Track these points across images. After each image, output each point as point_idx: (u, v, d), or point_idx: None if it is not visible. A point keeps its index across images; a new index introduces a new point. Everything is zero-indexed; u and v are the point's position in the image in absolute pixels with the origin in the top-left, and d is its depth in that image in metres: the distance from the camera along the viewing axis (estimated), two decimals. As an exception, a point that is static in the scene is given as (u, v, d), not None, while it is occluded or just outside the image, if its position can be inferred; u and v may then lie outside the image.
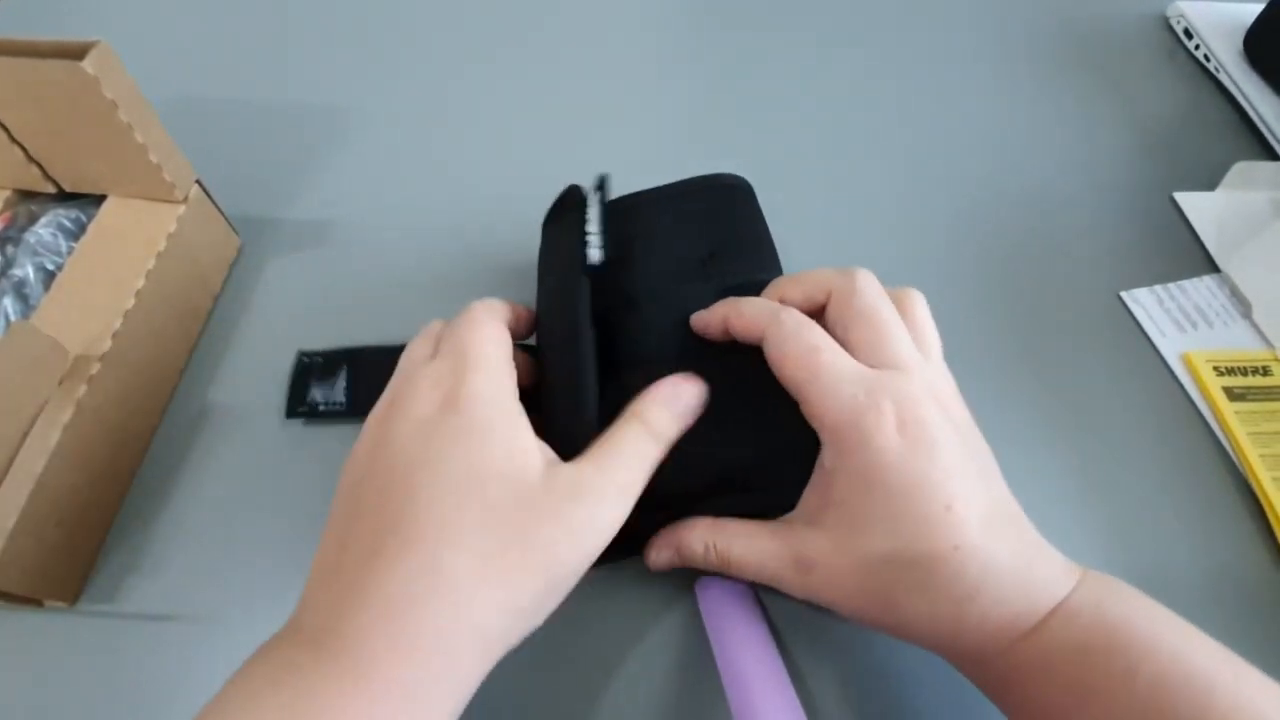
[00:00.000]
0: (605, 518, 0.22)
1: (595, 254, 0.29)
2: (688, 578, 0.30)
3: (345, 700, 0.18)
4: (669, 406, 0.25)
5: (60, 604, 0.28)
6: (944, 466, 0.22)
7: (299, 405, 0.33)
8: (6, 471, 0.26)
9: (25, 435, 0.27)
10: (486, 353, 0.23)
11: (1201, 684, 0.19)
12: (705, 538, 0.25)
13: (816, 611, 0.29)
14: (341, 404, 0.33)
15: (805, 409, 0.24)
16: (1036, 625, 0.21)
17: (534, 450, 0.22)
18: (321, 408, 0.33)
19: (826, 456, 0.23)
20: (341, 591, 0.20)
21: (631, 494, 0.23)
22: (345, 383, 0.33)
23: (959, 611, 0.22)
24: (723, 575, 0.27)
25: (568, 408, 0.26)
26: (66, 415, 0.27)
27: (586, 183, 0.34)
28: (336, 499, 0.23)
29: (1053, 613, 0.21)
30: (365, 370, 0.33)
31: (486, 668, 0.20)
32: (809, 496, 0.24)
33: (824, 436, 0.23)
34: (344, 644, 0.19)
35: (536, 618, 0.21)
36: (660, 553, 0.26)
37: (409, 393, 0.23)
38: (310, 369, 0.34)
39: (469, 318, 0.25)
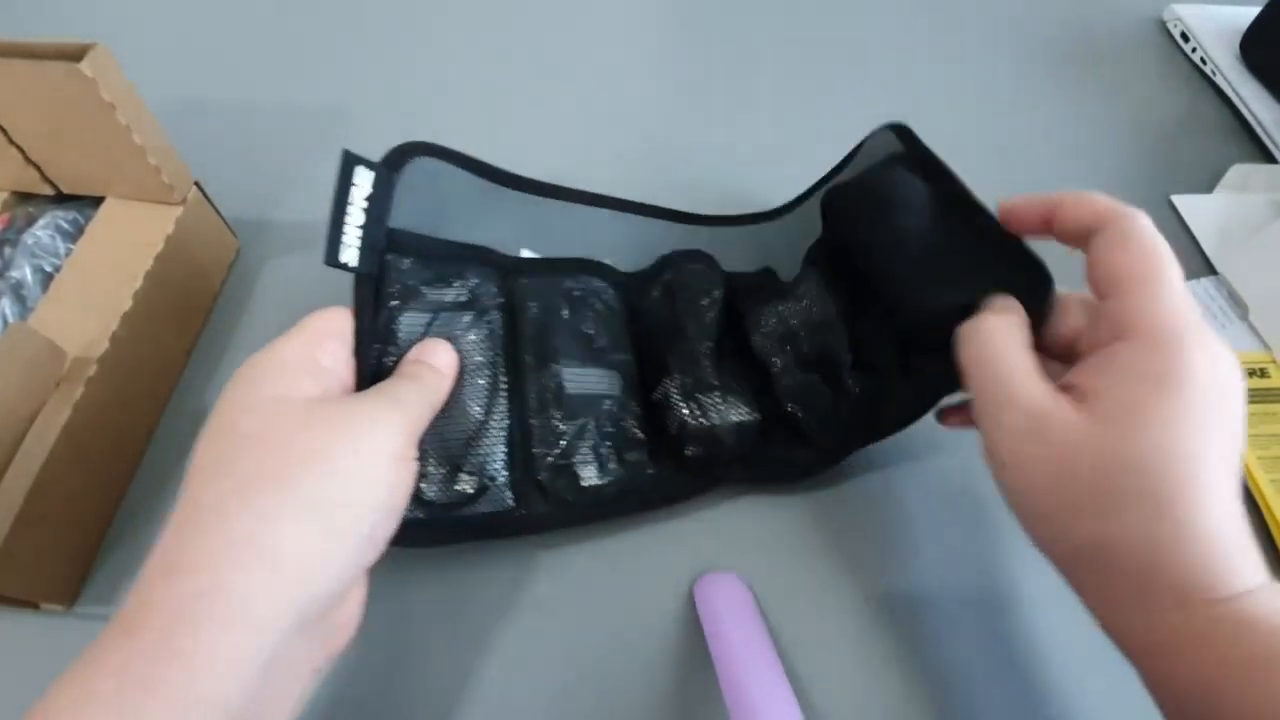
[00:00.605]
0: (373, 441, 0.22)
1: (348, 254, 0.25)
2: (685, 576, 0.30)
3: (120, 644, 0.18)
4: (424, 362, 0.26)
5: (57, 606, 0.28)
6: (1232, 436, 0.21)
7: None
8: (3, 473, 0.26)
9: (22, 437, 0.27)
10: (290, 332, 0.24)
11: None
12: (1003, 321, 0.24)
13: (813, 614, 0.29)
14: None
15: (1128, 299, 0.23)
16: (1194, 609, 0.20)
17: (305, 388, 0.22)
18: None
19: (1125, 349, 0.22)
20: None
21: (403, 411, 0.23)
22: None
23: (1136, 574, 0.21)
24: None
25: None
26: (64, 417, 0.27)
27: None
28: None
29: (1214, 603, 0.20)
30: None
31: (299, 590, 0.20)
32: (1075, 374, 0.23)
33: (1140, 328, 0.22)
34: (132, 600, 0.19)
35: (344, 523, 0.21)
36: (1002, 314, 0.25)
37: None
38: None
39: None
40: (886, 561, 0.31)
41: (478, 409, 0.28)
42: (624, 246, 0.36)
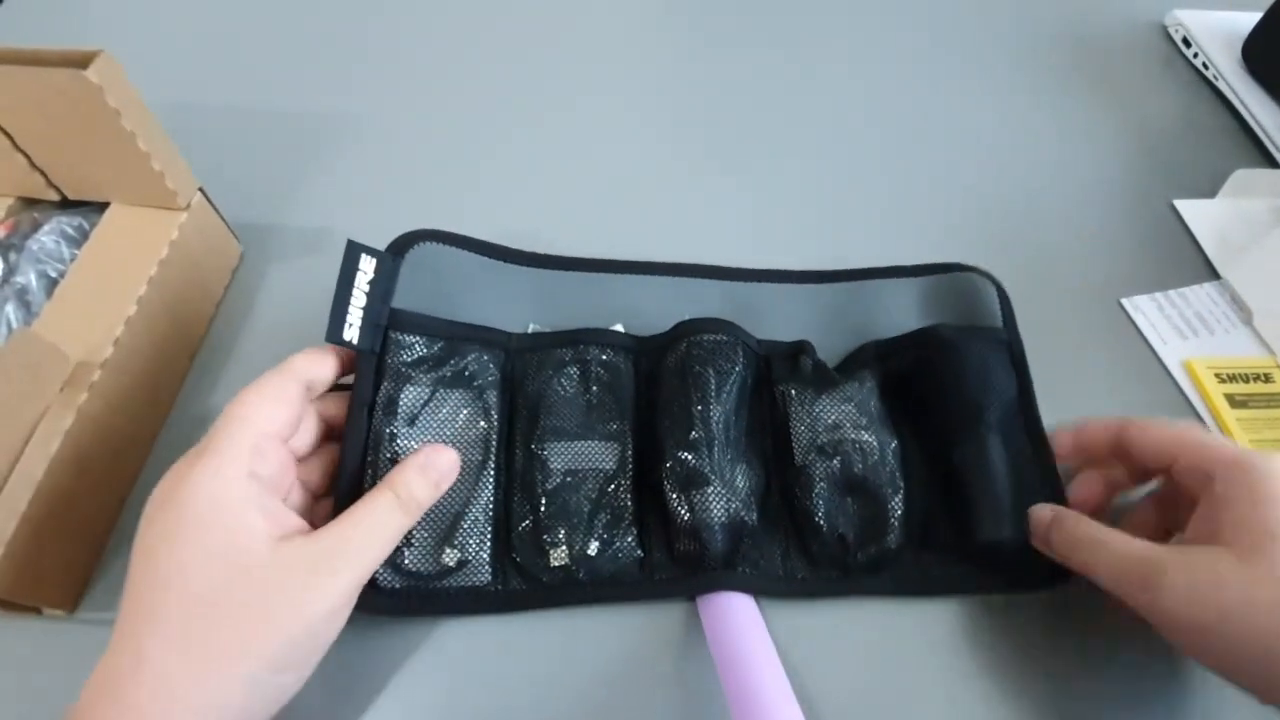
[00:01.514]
0: (335, 586, 0.23)
1: (351, 332, 0.27)
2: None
3: None
4: (424, 474, 0.26)
5: (59, 612, 0.28)
6: None
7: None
8: (7, 478, 0.26)
9: (26, 442, 0.27)
10: (224, 443, 0.23)
11: None
12: (1074, 519, 0.27)
13: (818, 624, 0.29)
14: None
15: (1189, 459, 0.26)
16: None
17: (259, 534, 0.23)
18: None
19: (1219, 483, 0.25)
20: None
21: (370, 560, 0.24)
22: None
23: None
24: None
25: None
26: (67, 422, 0.27)
27: (569, 200, 0.34)
28: None
29: None
30: None
31: None
32: (1191, 529, 0.25)
33: (1217, 470, 0.25)
34: None
35: (283, 680, 0.23)
36: (1042, 510, 0.28)
37: (166, 474, 0.24)
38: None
39: (237, 399, 0.25)
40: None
41: (467, 485, 0.28)
42: (640, 310, 0.34)
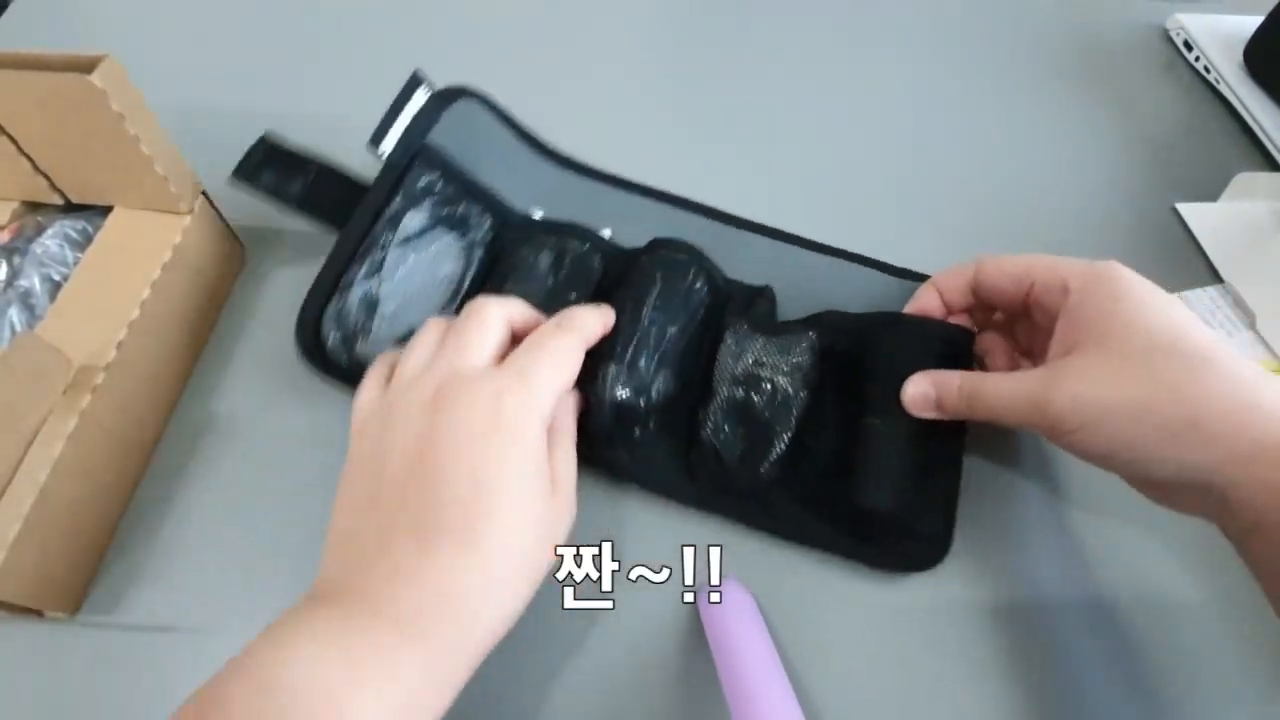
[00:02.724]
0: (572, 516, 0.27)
1: (386, 144, 0.33)
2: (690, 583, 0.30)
3: (403, 654, 0.21)
4: (575, 411, 0.29)
5: (61, 614, 0.28)
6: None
7: (252, 176, 0.34)
8: (10, 481, 0.26)
9: (29, 445, 0.27)
10: (545, 386, 0.26)
11: None
12: (960, 378, 0.28)
13: (820, 621, 0.29)
14: (294, 197, 0.34)
15: (1045, 276, 0.28)
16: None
17: (548, 465, 0.26)
18: (274, 190, 0.34)
19: (1073, 293, 0.27)
20: (391, 572, 0.23)
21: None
22: (303, 185, 0.35)
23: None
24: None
25: None
26: (70, 425, 0.27)
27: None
28: (363, 468, 0.25)
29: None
30: (329, 183, 0.35)
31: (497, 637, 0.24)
32: (1055, 344, 0.27)
33: (1072, 280, 0.27)
34: (398, 612, 0.22)
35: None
36: (918, 385, 0.29)
37: (462, 394, 0.25)
38: (274, 154, 0.35)
39: (563, 349, 0.27)
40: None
41: (423, 316, 0.30)
42: (635, 227, 0.37)
